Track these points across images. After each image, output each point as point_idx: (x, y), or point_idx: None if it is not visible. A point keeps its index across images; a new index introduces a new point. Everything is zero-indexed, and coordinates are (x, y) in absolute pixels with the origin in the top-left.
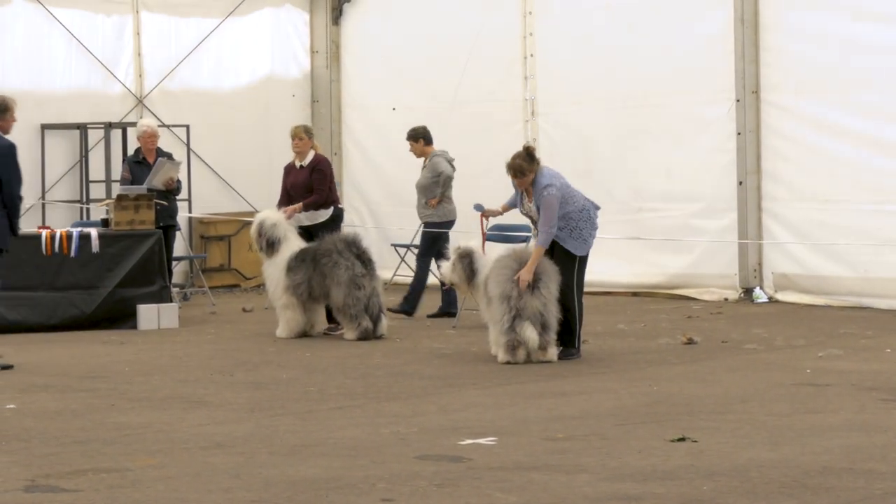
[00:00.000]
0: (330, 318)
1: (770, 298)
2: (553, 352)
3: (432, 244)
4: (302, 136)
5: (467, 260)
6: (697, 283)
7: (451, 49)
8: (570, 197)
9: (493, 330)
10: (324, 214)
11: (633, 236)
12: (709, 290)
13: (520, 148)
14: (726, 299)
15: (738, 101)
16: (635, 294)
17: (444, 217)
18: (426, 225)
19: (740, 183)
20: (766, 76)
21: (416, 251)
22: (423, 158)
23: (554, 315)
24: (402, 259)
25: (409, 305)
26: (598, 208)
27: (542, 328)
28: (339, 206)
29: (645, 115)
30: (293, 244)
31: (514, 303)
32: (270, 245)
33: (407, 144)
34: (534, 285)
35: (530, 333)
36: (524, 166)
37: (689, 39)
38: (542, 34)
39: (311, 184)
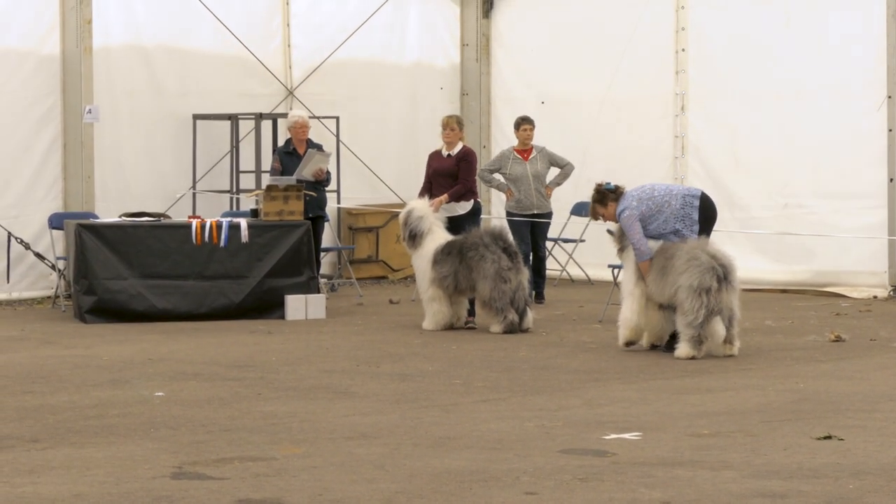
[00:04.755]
0: (471, 311)
1: None
2: (738, 345)
3: None
4: (454, 126)
5: None
6: (846, 281)
7: (601, 42)
8: (657, 211)
9: (629, 308)
10: (464, 207)
11: (782, 232)
12: (857, 287)
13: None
14: (875, 297)
15: (889, 97)
16: (783, 291)
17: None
18: (546, 215)
19: (891, 180)
20: None
21: (571, 245)
22: (526, 149)
23: (738, 309)
24: (570, 256)
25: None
26: (697, 196)
27: (729, 322)
28: (479, 199)
29: (796, 111)
30: (438, 237)
31: (713, 297)
32: (412, 237)
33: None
34: (726, 278)
35: (719, 328)
36: (597, 208)
37: (843, 35)
38: (695, 28)
39: (457, 172)
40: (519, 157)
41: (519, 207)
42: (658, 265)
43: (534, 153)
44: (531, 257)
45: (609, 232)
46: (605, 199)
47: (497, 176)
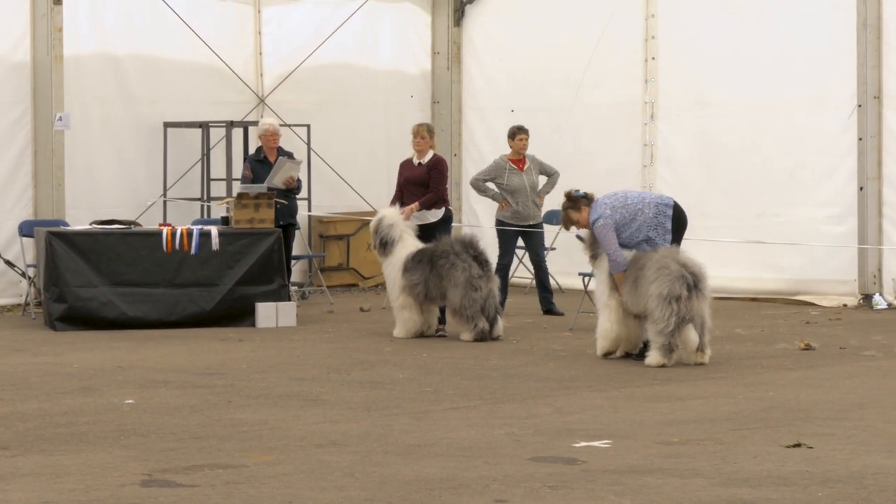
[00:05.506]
0: (442, 319)
1: (889, 305)
2: (709, 353)
3: None
4: (424, 134)
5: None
6: (816, 289)
7: (571, 51)
8: (630, 219)
9: (608, 319)
10: (435, 215)
11: (753, 240)
12: (827, 295)
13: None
14: (845, 305)
15: (859, 106)
16: (753, 299)
17: None
18: (539, 225)
19: (861, 188)
20: (888, 81)
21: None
22: (520, 159)
23: (709, 317)
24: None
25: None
26: (670, 206)
27: (701, 330)
28: (450, 207)
29: (765, 120)
30: (409, 245)
31: (682, 305)
32: (383, 245)
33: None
34: (697, 286)
35: (692, 336)
36: (570, 214)
37: (812, 44)
38: (664, 37)
39: (428, 181)
40: (515, 167)
41: (516, 218)
42: (631, 276)
43: (528, 163)
44: (535, 270)
45: (579, 238)
46: (578, 203)
47: (490, 185)
